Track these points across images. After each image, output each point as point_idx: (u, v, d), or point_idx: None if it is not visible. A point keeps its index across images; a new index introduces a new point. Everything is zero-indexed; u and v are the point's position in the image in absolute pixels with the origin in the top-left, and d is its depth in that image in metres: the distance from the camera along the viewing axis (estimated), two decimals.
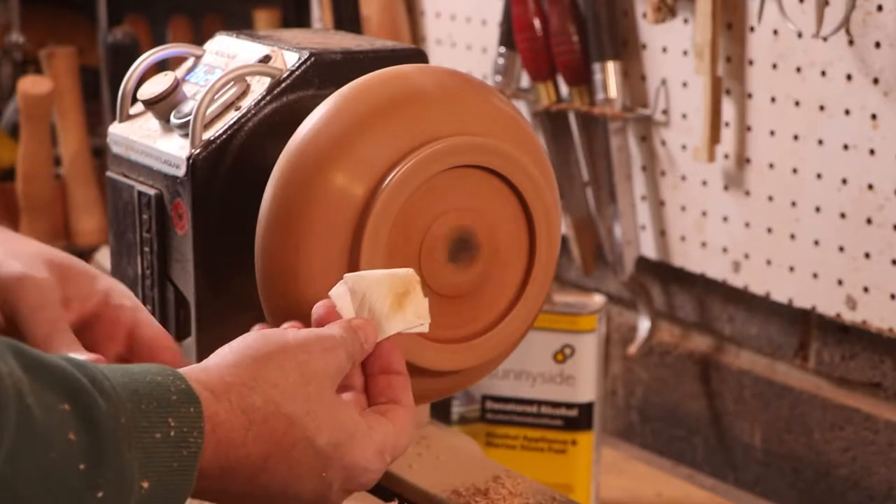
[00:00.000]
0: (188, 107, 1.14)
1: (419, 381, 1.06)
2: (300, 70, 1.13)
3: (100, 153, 1.97)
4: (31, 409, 0.74)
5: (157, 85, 1.16)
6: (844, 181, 1.35)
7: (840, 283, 1.37)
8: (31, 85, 1.90)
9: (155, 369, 0.83)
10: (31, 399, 0.74)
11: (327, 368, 0.89)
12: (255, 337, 0.89)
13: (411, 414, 0.94)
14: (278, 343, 0.89)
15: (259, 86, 1.13)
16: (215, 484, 0.85)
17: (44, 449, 0.74)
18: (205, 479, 0.84)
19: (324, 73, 1.13)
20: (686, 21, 1.46)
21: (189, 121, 1.12)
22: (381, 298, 0.95)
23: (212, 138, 1.11)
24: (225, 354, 0.88)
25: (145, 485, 0.79)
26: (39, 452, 0.74)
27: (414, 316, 0.95)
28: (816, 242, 1.38)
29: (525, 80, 1.59)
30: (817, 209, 1.38)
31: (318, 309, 0.95)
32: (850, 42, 1.32)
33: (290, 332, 0.91)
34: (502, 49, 1.59)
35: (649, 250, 1.56)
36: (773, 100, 1.40)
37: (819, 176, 1.37)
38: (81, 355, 0.97)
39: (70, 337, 0.99)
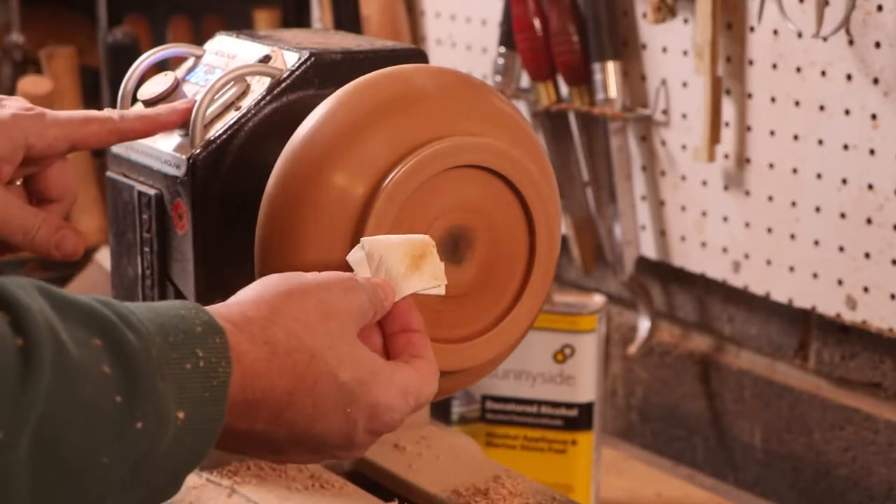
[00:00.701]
0: None
1: None
2: (300, 70, 1.13)
3: (100, 153, 1.96)
4: (65, 344, 0.74)
5: (157, 85, 1.16)
6: (844, 181, 1.35)
7: (840, 283, 1.37)
8: (31, 85, 1.90)
9: (178, 304, 0.83)
10: (64, 335, 0.75)
11: (349, 307, 0.90)
12: (275, 277, 0.90)
13: (434, 367, 0.94)
14: (298, 282, 0.89)
15: (259, 86, 1.13)
16: (242, 421, 0.85)
17: (81, 383, 0.75)
18: (233, 414, 0.83)
19: (324, 74, 1.13)
20: (686, 21, 1.46)
21: (189, 121, 1.12)
22: (398, 260, 0.95)
23: (212, 138, 1.11)
24: (245, 293, 0.89)
25: (181, 415, 0.79)
26: (77, 387, 0.74)
27: (431, 277, 0.96)
28: (816, 242, 1.38)
29: (525, 80, 1.59)
30: (817, 209, 1.38)
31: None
32: (850, 42, 1.32)
33: (310, 273, 0.91)
34: (502, 49, 1.59)
35: (649, 250, 1.56)
36: (773, 100, 1.40)
37: (819, 176, 1.37)
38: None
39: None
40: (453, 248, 1.04)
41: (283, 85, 1.12)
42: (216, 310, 0.85)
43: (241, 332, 0.84)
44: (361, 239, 0.97)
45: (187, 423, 0.80)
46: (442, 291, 0.97)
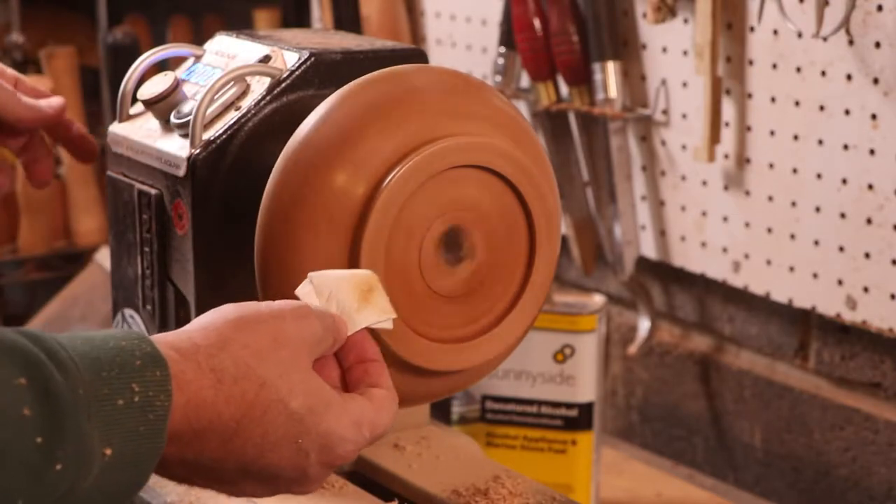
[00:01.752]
0: (188, 107, 1.14)
1: (419, 381, 1.06)
2: (300, 70, 1.13)
3: (100, 153, 1.96)
4: None
5: (157, 85, 1.16)
6: (844, 181, 1.35)
7: (840, 283, 1.37)
8: None
9: (119, 334, 0.82)
10: None
11: (302, 334, 0.88)
12: (229, 305, 0.88)
13: (391, 396, 0.93)
14: (251, 310, 0.88)
15: (259, 86, 1.13)
16: (189, 450, 0.84)
17: None
18: (177, 444, 0.83)
19: (324, 74, 1.13)
20: (686, 21, 1.46)
21: (189, 121, 1.12)
22: (348, 294, 0.94)
23: (212, 138, 1.11)
24: (198, 320, 0.87)
25: (108, 451, 0.78)
26: None
27: (381, 311, 0.95)
28: (816, 242, 1.38)
29: (525, 80, 1.59)
30: (817, 209, 1.38)
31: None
32: (850, 42, 1.32)
33: (263, 302, 0.90)
34: (502, 49, 1.59)
35: (649, 250, 1.56)
36: (773, 100, 1.40)
37: (819, 176, 1.37)
38: None
39: None
40: (453, 248, 1.04)
41: (283, 85, 1.12)
42: (163, 338, 0.84)
43: (187, 360, 0.83)
44: (309, 274, 0.95)
45: (116, 459, 0.79)
46: (390, 326, 0.95)
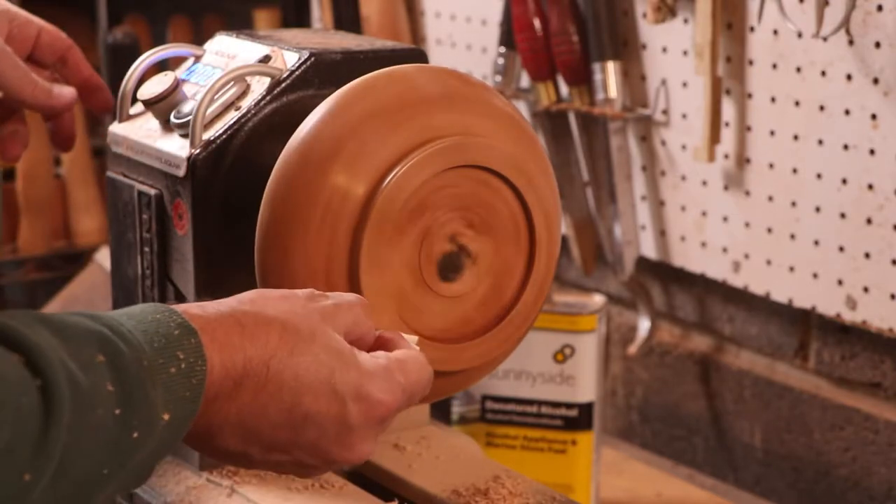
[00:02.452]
0: (188, 107, 1.14)
1: None
2: (300, 70, 1.13)
3: (100, 153, 1.96)
4: (75, 375, 0.77)
5: (157, 85, 1.16)
6: (844, 181, 1.35)
7: (840, 283, 1.37)
8: None
9: (149, 308, 0.85)
10: (72, 364, 0.78)
11: (314, 303, 0.91)
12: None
13: (421, 358, 0.93)
14: (261, 292, 0.92)
15: (259, 86, 1.13)
16: (233, 405, 0.86)
17: (92, 410, 0.78)
18: (222, 400, 0.86)
19: (324, 74, 1.13)
20: (686, 21, 1.46)
21: (189, 121, 1.12)
22: None
23: (212, 138, 1.11)
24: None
25: (166, 417, 0.82)
26: (89, 414, 0.78)
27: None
28: (816, 242, 1.38)
29: (525, 80, 1.59)
30: (817, 209, 1.38)
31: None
32: (850, 42, 1.32)
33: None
34: (502, 49, 1.59)
35: (649, 250, 1.56)
36: (773, 100, 1.40)
37: (819, 176, 1.37)
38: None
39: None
40: (453, 248, 1.04)
41: (283, 85, 1.12)
42: (185, 308, 0.87)
43: (206, 310, 0.87)
44: None
45: (171, 423, 0.83)
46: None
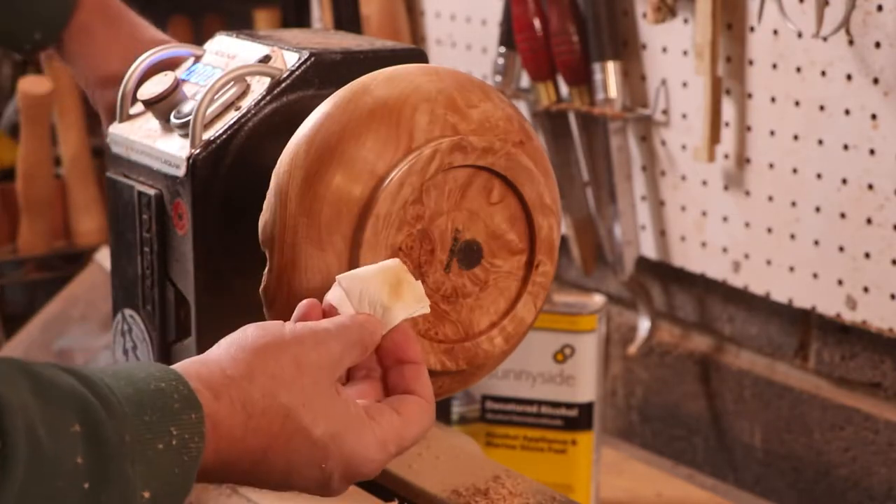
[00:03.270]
0: (188, 107, 1.14)
1: None
2: (300, 70, 1.13)
3: (100, 153, 1.96)
4: (41, 440, 0.76)
5: (157, 85, 1.16)
6: (844, 181, 1.35)
7: (840, 283, 1.37)
8: (31, 85, 1.90)
9: (158, 373, 0.84)
10: (41, 430, 0.76)
11: (320, 360, 0.90)
12: (254, 329, 0.91)
13: (425, 404, 0.94)
14: (275, 335, 0.90)
15: (259, 86, 1.13)
16: (215, 476, 0.88)
17: (51, 479, 0.76)
18: (205, 475, 0.86)
19: (324, 74, 1.13)
20: (686, 21, 1.46)
21: (189, 121, 1.12)
22: (378, 292, 0.95)
23: (212, 138, 1.11)
24: (226, 347, 0.89)
25: (146, 494, 0.81)
26: (48, 483, 0.76)
27: (413, 301, 0.96)
28: (816, 242, 1.38)
29: (525, 80, 1.59)
30: (817, 209, 1.38)
31: (300, 307, 0.95)
32: (850, 42, 1.32)
33: (287, 324, 0.92)
34: (502, 49, 1.59)
35: (649, 250, 1.56)
36: (773, 100, 1.40)
37: (819, 176, 1.37)
38: None
39: None
40: (453, 248, 1.04)
41: (283, 85, 1.12)
42: (196, 373, 0.86)
43: (220, 399, 0.85)
44: (337, 277, 0.96)
45: (152, 500, 0.81)
46: (427, 310, 0.97)
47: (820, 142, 1.36)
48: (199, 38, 1.53)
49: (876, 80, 1.31)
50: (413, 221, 1.02)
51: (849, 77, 1.33)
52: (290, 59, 1.13)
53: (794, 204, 1.40)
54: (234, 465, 0.87)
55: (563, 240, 1.53)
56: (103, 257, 1.77)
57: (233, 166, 1.11)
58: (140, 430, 0.81)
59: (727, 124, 1.44)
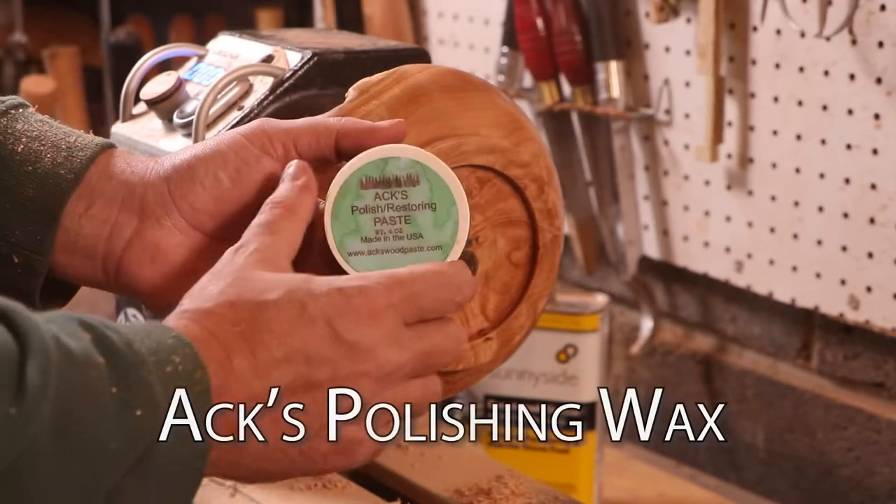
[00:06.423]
0: (191, 106, 1.14)
1: None
2: (303, 70, 1.13)
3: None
4: (59, 336, 0.76)
5: (159, 85, 1.16)
6: (847, 181, 1.35)
7: (843, 282, 1.37)
8: (33, 85, 1.90)
9: (138, 325, 0.84)
10: (61, 334, 0.77)
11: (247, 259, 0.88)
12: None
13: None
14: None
15: (262, 85, 1.13)
16: (230, 373, 0.84)
17: (84, 367, 0.76)
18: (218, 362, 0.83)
19: (326, 73, 1.13)
20: (689, 21, 1.46)
21: (192, 120, 1.12)
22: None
23: None
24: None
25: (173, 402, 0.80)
26: (81, 370, 0.76)
27: None
28: (819, 242, 1.38)
29: (528, 80, 1.59)
30: (820, 209, 1.38)
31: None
32: (853, 42, 1.32)
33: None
34: (505, 49, 1.59)
35: (652, 250, 1.56)
36: (775, 99, 1.40)
37: (822, 176, 1.37)
38: None
39: None
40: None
41: (286, 85, 1.12)
42: (183, 325, 0.84)
43: (195, 321, 0.84)
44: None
45: (180, 407, 0.80)
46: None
47: (823, 141, 1.36)
48: (202, 38, 1.53)
49: (879, 80, 1.30)
50: None
51: (852, 77, 1.33)
52: (292, 59, 1.13)
53: (796, 204, 1.40)
54: (233, 349, 0.83)
55: (566, 239, 1.53)
56: None
57: None
58: (146, 353, 0.80)
59: (730, 124, 1.44)
